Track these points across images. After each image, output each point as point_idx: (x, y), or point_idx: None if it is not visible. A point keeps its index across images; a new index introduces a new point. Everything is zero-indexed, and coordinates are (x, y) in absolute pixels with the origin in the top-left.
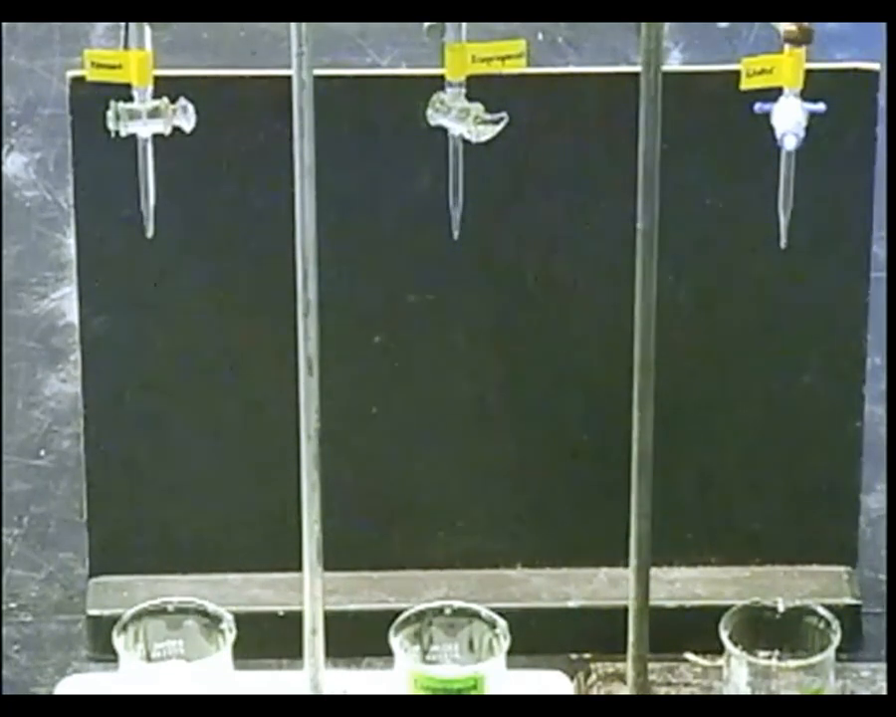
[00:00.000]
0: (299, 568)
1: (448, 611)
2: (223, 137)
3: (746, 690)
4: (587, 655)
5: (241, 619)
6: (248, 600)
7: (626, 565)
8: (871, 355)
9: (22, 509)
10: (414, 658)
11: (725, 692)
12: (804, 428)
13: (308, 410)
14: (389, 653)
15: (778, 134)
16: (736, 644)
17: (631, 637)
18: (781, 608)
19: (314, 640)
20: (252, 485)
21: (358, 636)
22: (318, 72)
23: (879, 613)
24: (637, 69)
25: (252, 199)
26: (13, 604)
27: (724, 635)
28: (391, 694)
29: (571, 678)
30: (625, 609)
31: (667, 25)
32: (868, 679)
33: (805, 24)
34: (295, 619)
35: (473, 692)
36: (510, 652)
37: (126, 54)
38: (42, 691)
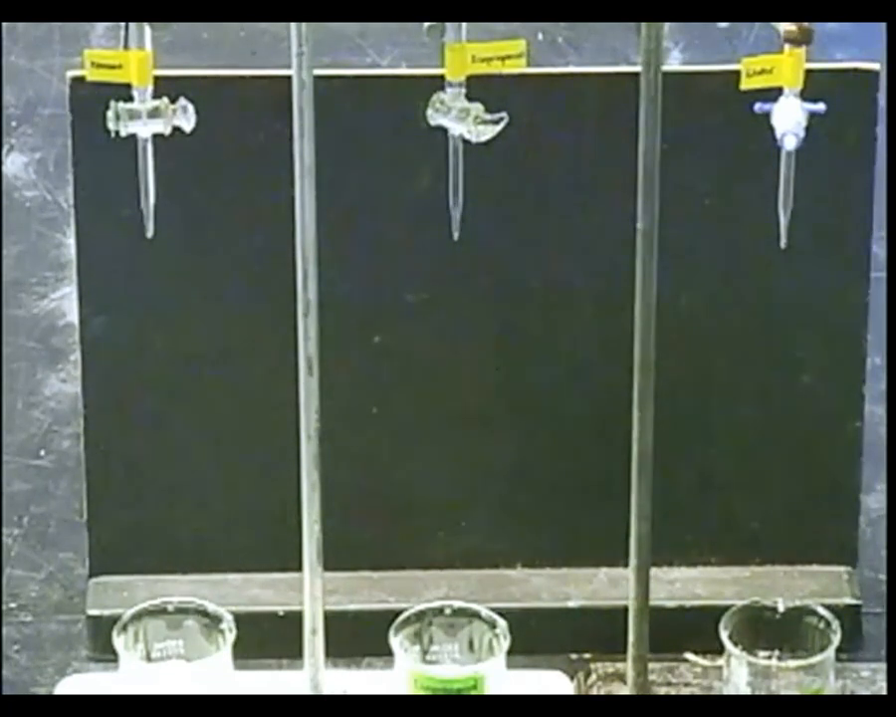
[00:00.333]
0: (299, 568)
1: (448, 611)
2: (223, 137)
3: (746, 690)
4: (587, 655)
5: (241, 619)
6: (248, 600)
7: (626, 565)
8: (871, 355)
9: (22, 509)
10: (414, 658)
11: (725, 692)
12: (804, 428)
13: (308, 410)
14: (389, 653)
15: (778, 134)
16: (736, 644)
17: (631, 637)
18: (781, 608)
19: (314, 640)
20: (252, 485)
21: (358, 636)
22: (318, 72)
23: (879, 613)
24: (637, 69)
25: (252, 199)
26: (13, 604)
27: (724, 635)
28: (391, 694)
29: (571, 678)
30: (625, 609)
31: (667, 25)
32: (868, 679)
33: (805, 24)
34: (295, 619)
35: (473, 692)
36: (510, 652)
37: (126, 54)
38: (42, 691)
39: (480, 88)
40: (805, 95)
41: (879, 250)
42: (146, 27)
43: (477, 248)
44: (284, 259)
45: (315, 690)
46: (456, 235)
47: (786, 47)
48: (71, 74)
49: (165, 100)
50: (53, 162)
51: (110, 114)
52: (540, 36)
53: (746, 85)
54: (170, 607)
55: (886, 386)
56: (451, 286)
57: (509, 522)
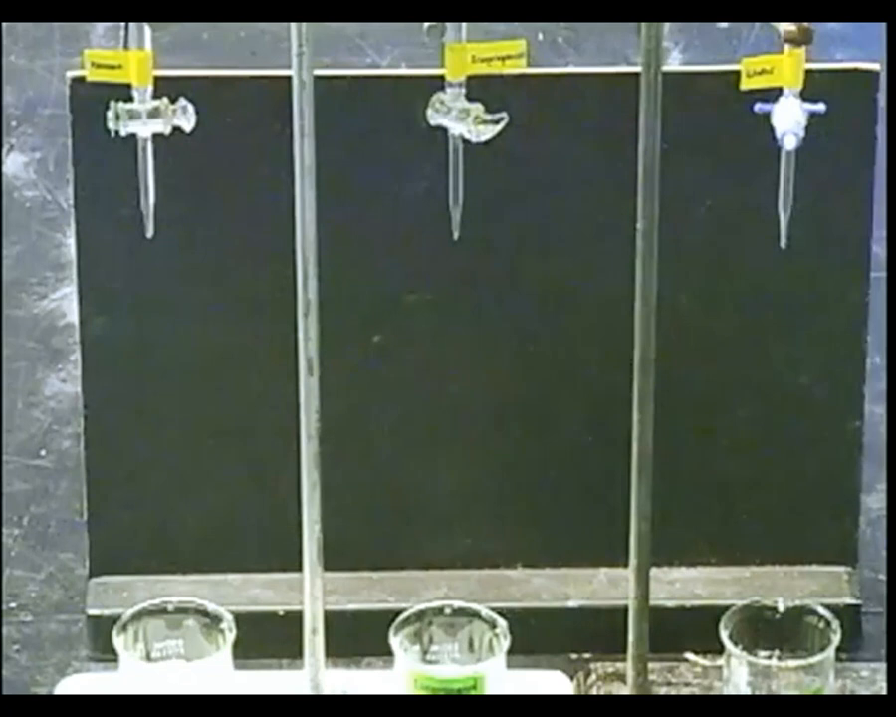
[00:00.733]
0: (299, 568)
1: (448, 611)
2: (223, 137)
3: (746, 690)
4: (587, 655)
5: (241, 619)
6: (248, 600)
7: (626, 565)
8: (871, 355)
9: (22, 509)
10: (414, 658)
11: (725, 692)
12: (804, 428)
13: (308, 410)
14: (389, 653)
15: (778, 134)
16: (736, 644)
17: (631, 637)
18: (780, 608)
19: (314, 640)
20: (252, 485)
21: (358, 636)
22: (318, 72)
23: (879, 613)
24: (637, 69)
25: (252, 199)
26: (13, 604)
27: (724, 635)
28: (391, 694)
29: (571, 678)
30: (625, 609)
31: (667, 25)
32: (868, 679)
33: (805, 24)
34: (295, 619)
35: (473, 692)
36: (510, 652)
37: (126, 54)
38: (42, 691)
39: (480, 88)
40: (805, 95)
41: (879, 250)
42: (146, 27)
43: (477, 248)
44: (284, 259)
45: (315, 690)
46: (456, 235)
47: (786, 47)
48: (71, 74)
49: (165, 100)
50: (53, 162)
51: (110, 114)
52: (540, 36)
53: (746, 85)
54: (170, 607)
55: (886, 386)
56: (451, 286)
57: (509, 522)
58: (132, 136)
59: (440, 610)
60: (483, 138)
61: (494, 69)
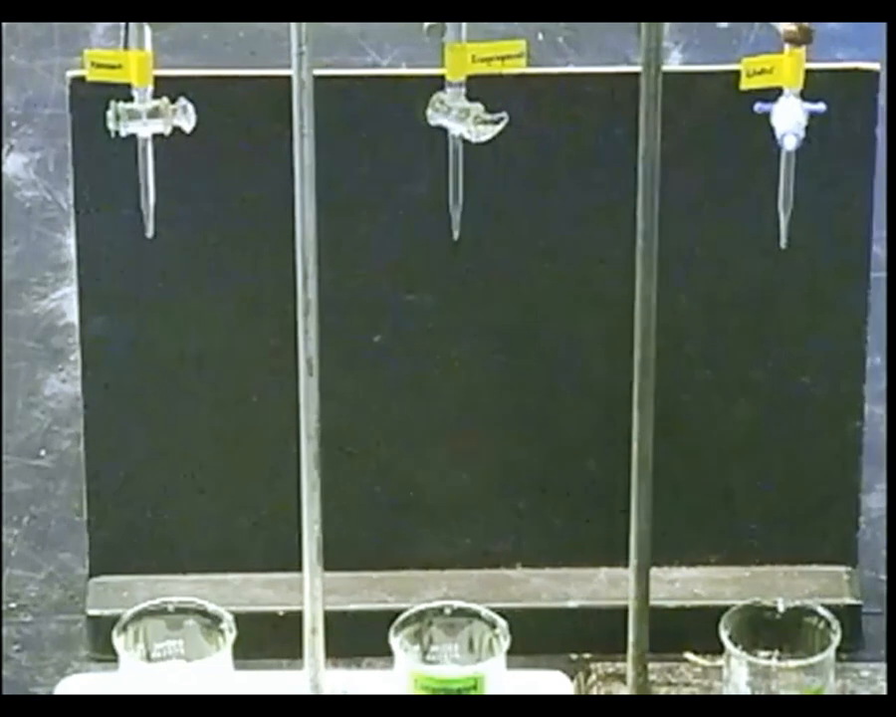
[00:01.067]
0: (299, 568)
1: (448, 611)
2: (223, 137)
3: (746, 690)
4: (587, 655)
5: (241, 619)
6: (248, 600)
7: (626, 565)
8: (871, 355)
9: (22, 509)
10: (414, 658)
11: (725, 692)
12: (804, 428)
13: (308, 410)
14: (389, 653)
15: (778, 134)
16: (736, 644)
17: (631, 637)
18: (781, 608)
19: (314, 640)
20: (252, 485)
21: (358, 636)
22: (318, 72)
23: (879, 613)
24: (637, 69)
25: (252, 199)
26: (13, 604)
27: (724, 635)
28: (391, 694)
29: (571, 678)
30: (625, 609)
31: (667, 25)
32: (868, 679)
33: (805, 24)
34: (295, 619)
35: (473, 692)
36: (510, 652)
37: (126, 54)
38: (42, 691)
39: (480, 88)
40: (805, 95)
41: (879, 250)
42: (146, 27)
43: (477, 248)
44: (284, 259)
45: (315, 690)
46: (456, 235)
47: (787, 47)
48: (71, 74)
49: (165, 100)
50: (53, 162)
51: (110, 114)
52: (540, 36)
53: (746, 85)
54: (170, 607)
55: (886, 386)
56: (451, 286)
57: (509, 522)
58: (132, 136)
59: (440, 610)
60: (483, 138)
61: (494, 69)
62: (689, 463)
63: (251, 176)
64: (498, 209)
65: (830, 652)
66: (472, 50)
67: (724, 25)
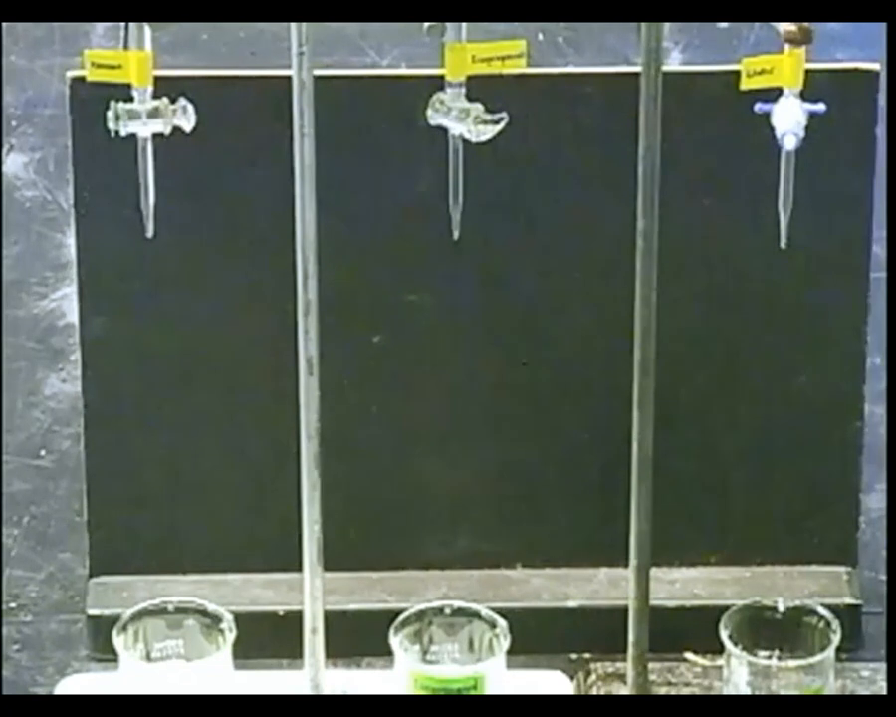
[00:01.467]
0: (299, 568)
1: (448, 611)
2: (223, 137)
3: (746, 690)
4: (587, 655)
5: (241, 619)
6: (248, 600)
7: (626, 565)
8: (871, 355)
9: (22, 509)
10: (414, 658)
11: (725, 692)
12: (804, 428)
13: (308, 410)
14: (389, 653)
15: (778, 134)
16: (736, 644)
17: (631, 637)
18: (781, 608)
19: (314, 640)
20: (252, 485)
21: (358, 636)
22: (318, 72)
23: (879, 613)
24: (637, 69)
25: (252, 199)
26: (13, 604)
27: (724, 635)
28: (391, 694)
29: (571, 678)
30: (625, 609)
31: (667, 25)
32: (868, 679)
33: (805, 24)
34: (295, 619)
35: (473, 692)
36: (510, 652)
37: (126, 54)
38: (42, 691)
39: (480, 88)
40: (805, 95)
41: (879, 250)
42: (146, 27)
43: (477, 248)
44: (284, 259)
45: (315, 690)
46: (456, 235)
47: (786, 47)
48: (71, 74)
49: (165, 100)
50: (53, 162)
51: (109, 114)
52: (540, 36)
53: (746, 85)
54: (170, 607)
55: (886, 386)
56: (451, 286)
57: (509, 522)
58: (132, 136)
59: (440, 610)
60: (483, 138)
61: (494, 69)
62: (689, 463)
63: (251, 176)
64: (498, 209)
65: (830, 652)
66: (472, 50)
67: (724, 25)
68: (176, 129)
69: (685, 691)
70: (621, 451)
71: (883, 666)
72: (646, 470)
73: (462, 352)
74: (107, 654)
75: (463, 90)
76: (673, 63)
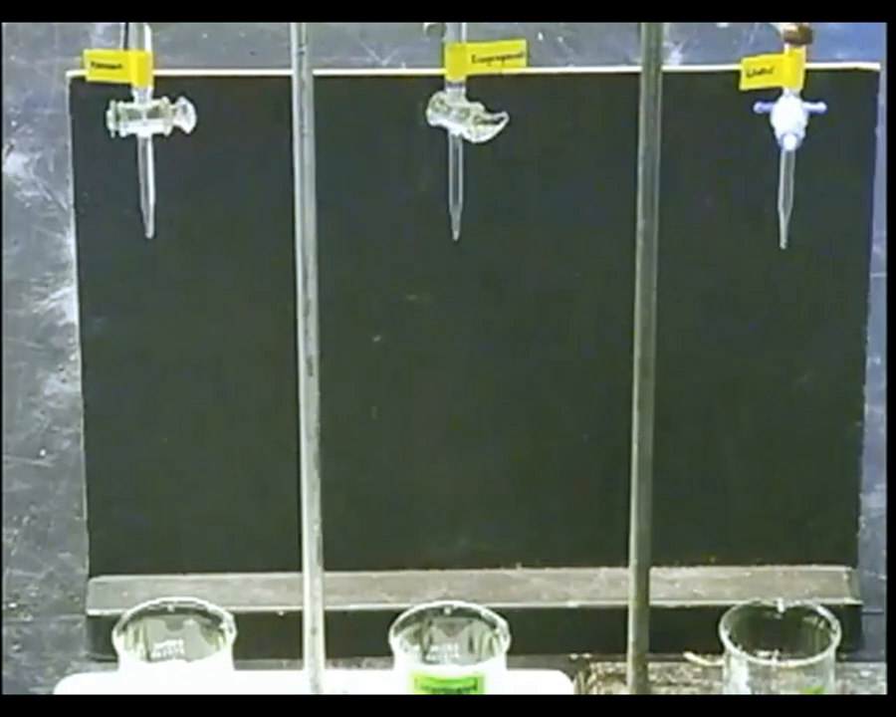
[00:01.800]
0: (299, 568)
1: (448, 611)
2: (223, 137)
3: (746, 690)
4: (587, 655)
5: (241, 619)
6: (248, 600)
7: (626, 565)
8: (871, 355)
9: (22, 509)
10: (414, 658)
11: (725, 692)
12: (804, 428)
13: (308, 410)
14: (389, 653)
15: (778, 134)
16: (736, 644)
17: (631, 637)
18: (781, 608)
19: (314, 640)
20: (252, 485)
21: (358, 636)
22: (318, 72)
23: (879, 613)
24: (637, 69)
25: (252, 199)
26: (13, 604)
27: (724, 635)
28: (391, 694)
29: (571, 678)
30: (625, 609)
31: (667, 25)
32: (868, 679)
33: (805, 24)
34: (295, 619)
35: (473, 692)
36: (510, 652)
37: (126, 54)
38: (42, 691)
39: (480, 88)
40: (805, 95)
41: (879, 250)
42: (146, 27)
43: (477, 248)
44: (284, 259)
45: (315, 690)
46: (456, 235)
47: (786, 47)
48: (71, 74)
49: (165, 100)
50: (53, 162)
51: (110, 114)
52: (540, 36)
53: (746, 85)
54: (170, 607)
55: (886, 386)
56: (451, 286)
57: (509, 522)
58: (132, 136)
59: (440, 610)
60: (483, 138)
61: (494, 69)
62: (689, 463)
63: (251, 176)
64: (498, 209)
65: (830, 652)
66: (472, 50)
67: (724, 25)
68: (176, 129)
69: (685, 691)
70: (621, 451)
71: (883, 666)
72: (646, 470)
73: (462, 352)
74: (107, 654)
75: (463, 90)
76: (673, 63)
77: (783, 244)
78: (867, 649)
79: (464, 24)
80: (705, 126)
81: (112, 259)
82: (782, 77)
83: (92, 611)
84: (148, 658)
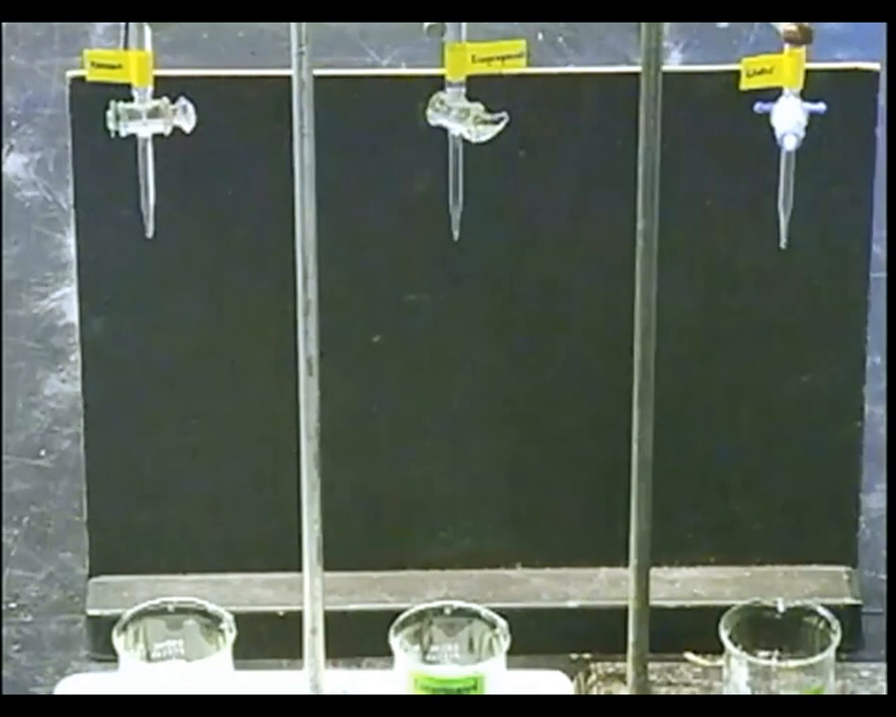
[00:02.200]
0: (299, 568)
1: (448, 611)
2: (223, 137)
3: (746, 690)
4: (587, 655)
5: (241, 619)
6: (248, 600)
7: (626, 565)
8: (871, 355)
9: (22, 509)
10: (414, 658)
11: (725, 692)
12: (804, 428)
13: (308, 410)
14: (389, 653)
15: (778, 134)
16: (736, 644)
17: (631, 637)
18: (781, 608)
19: (314, 640)
20: (252, 485)
21: (358, 636)
22: (318, 72)
23: (879, 613)
24: (637, 69)
25: (252, 199)
26: (13, 604)
27: (724, 635)
28: (391, 694)
29: (571, 678)
30: (625, 609)
31: (667, 25)
32: (868, 679)
33: (805, 24)
34: (295, 619)
35: (473, 692)
36: (510, 652)
37: (126, 54)
38: (42, 691)
39: (480, 88)
40: (805, 95)
41: (879, 250)
42: (146, 27)
43: (477, 248)
44: (284, 259)
45: (315, 690)
46: (456, 235)
47: (786, 47)
48: (71, 74)
49: (165, 100)
50: (53, 162)
51: (110, 114)
52: (540, 36)
53: (746, 85)
54: (170, 607)
55: (886, 386)
56: (451, 286)
57: (509, 522)
58: (132, 136)
59: (440, 610)
60: (483, 138)
61: (494, 69)
62: (689, 463)
63: (251, 176)
64: (498, 209)
65: (830, 652)
66: (472, 50)
67: (724, 25)
68: (176, 129)
69: (685, 691)
70: (621, 451)
71: (883, 666)
72: (646, 470)
73: (462, 351)
74: (107, 654)
75: (463, 90)
76: (673, 63)
77: (782, 244)
78: (867, 649)
79: (464, 24)
80: (705, 126)
81: (112, 259)
82: (782, 77)
83: (92, 611)
84: (148, 658)
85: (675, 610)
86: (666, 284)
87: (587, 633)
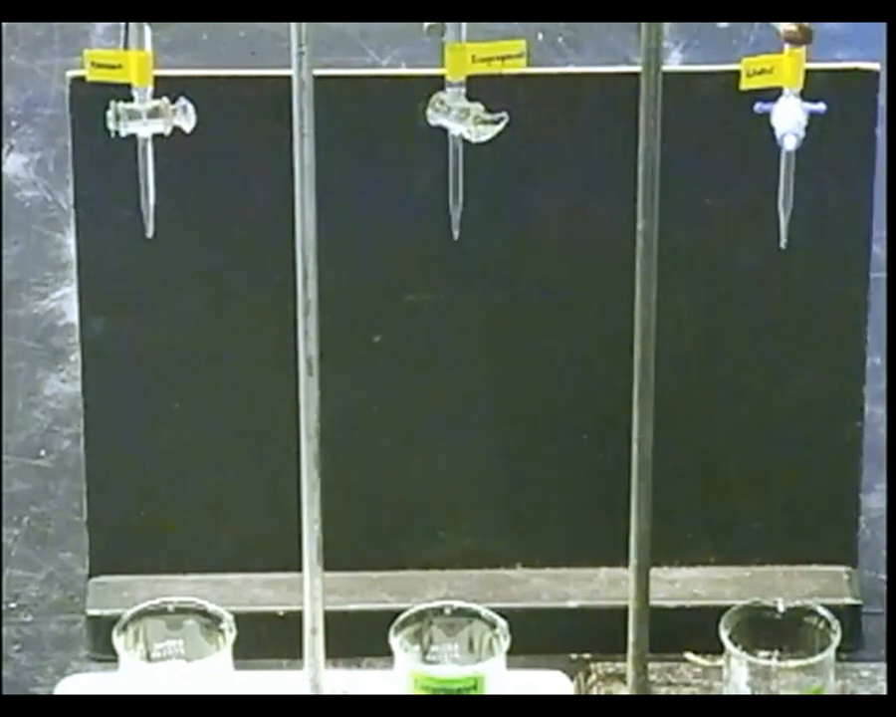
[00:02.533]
0: (299, 568)
1: (448, 611)
2: (223, 137)
3: (746, 690)
4: (587, 655)
5: (241, 619)
6: (248, 600)
7: (626, 565)
8: (871, 355)
9: (22, 509)
10: (414, 658)
11: (725, 692)
12: (804, 428)
13: (308, 410)
14: (389, 653)
15: (778, 134)
16: (736, 644)
17: (631, 637)
18: (781, 608)
19: (314, 640)
20: (252, 485)
21: (358, 636)
22: (318, 72)
23: (879, 613)
24: (637, 69)
25: (252, 199)
26: (13, 604)
27: (724, 635)
28: (391, 694)
29: (571, 678)
30: (625, 609)
31: (667, 25)
32: (868, 679)
33: (805, 24)
34: (295, 619)
35: (473, 692)
36: (510, 652)
37: (126, 54)
38: (42, 691)
39: (480, 88)
40: (805, 95)
41: (879, 250)
42: (146, 27)
43: (477, 248)
44: (284, 259)
45: (315, 690)
46: (456, 235)
47: (786, 47)
48: (71, 74)
49: (165, 100)
50: (53, 162)
51: (110, 114)
52: (540, 36)
53: (746, 85)
54: (170, 607)
55: (886, 386)
56: (451, 286)
57: (509, 522)
58: (132, 136)
59: (440, 610)
60: (483, 138)
61: (494, 69)
62: (689, 463)
63: (251, 176)
64: (498, 209)
65: (830, 652)
66: (472, 50)
67: (724, 25)
68: (176, 129)
69: (685, 691)
70: (621, 451)
71: (883, 666)
72: (646, 470)
73: (462, 351)
74: (107, 654)
75: (463, 90)
76: (673, 63)
77: (782, 244)
78: (867, 649)
79: (464, 24)
80: (705, 126)
81: (112, 259)
82: (782, 77)
83: (92, 611)
84: (148, 658)
85: (675, 610)
86: (666, 284)
87: (587, 633)
